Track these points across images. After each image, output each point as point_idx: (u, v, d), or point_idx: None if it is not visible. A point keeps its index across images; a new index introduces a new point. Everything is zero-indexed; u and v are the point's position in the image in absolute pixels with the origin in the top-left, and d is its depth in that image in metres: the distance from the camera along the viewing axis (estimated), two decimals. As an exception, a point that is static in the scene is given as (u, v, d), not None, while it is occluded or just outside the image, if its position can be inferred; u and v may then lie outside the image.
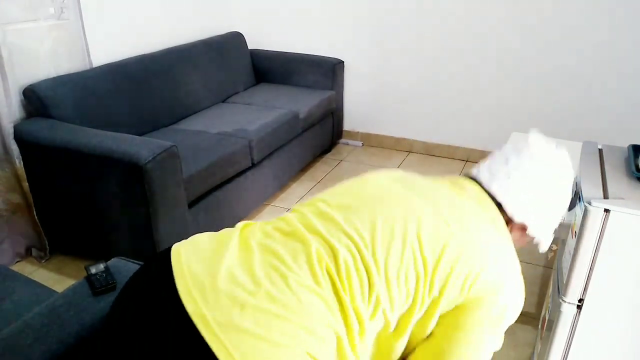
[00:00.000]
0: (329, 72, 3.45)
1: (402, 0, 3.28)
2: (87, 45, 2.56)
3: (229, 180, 2.50)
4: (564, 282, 1.29)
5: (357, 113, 3.76)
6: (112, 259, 1.22)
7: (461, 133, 3.48)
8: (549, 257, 2.38)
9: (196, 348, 0.78)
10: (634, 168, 1.34)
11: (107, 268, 1.15)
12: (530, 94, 3.18)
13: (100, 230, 2.21)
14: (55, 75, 2.37)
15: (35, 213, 2.35)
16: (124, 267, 1.18)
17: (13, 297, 1.42)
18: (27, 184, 2.28)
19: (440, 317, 0.95)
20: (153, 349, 0.80)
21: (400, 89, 3.53)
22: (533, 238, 1.09)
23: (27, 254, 2.43)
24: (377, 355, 0.94)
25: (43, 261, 2.40)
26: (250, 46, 3.71)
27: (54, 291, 1.47)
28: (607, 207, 1.16)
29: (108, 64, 2.61)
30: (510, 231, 1.06)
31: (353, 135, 3.83)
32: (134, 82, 2.64)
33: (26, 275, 1.62)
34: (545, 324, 1.51)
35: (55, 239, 2.42)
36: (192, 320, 0.79)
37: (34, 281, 1.54)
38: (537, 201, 1.05)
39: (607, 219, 1.17)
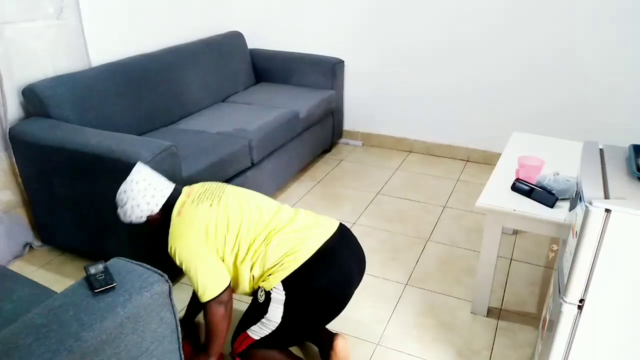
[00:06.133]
0: (328, 71, 3.45)
1: (402, 0, 3.28)
2: (86, 44, 2.56)
3: (229, 180, 2.50)
4: (565, 282, 1.29)
5: (357, 113, 3.76)
6: (112, 259, 1.21)
7: (462, 133, 3.48)
8: (550, 257, 2.38)
9: None
10: (634, 168, 1.33)
11: (106, 268, 1.15)
12: (531, 94, 3.18)
13: (100, 230, 2.21)
14: (54, 75, 2.37)
15: (33, 213, 2.34)
16: (124, 267, 1.17)
17: (12, 297, 1.42)
18: (24, 183, 2.28)
19: None
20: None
21: (401, 88, 3.53)
22: None
23: (23, 253, 2.43)
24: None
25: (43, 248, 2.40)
26: (250, 46, 3.71)
27: (54, 291, 1.47)
28: (608, 207, 1.16)
29: (107, 63, 2.61)
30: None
31: (353, 135, 3.83)
32: (134, 82, 2.64)
33: (25, 275, 1.61)
34: (546, 324, 1.51)
35: (54, 239, 2.41)
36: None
37: (33, 281, 1.54)
38: None
39: (608, 219, 1.16)
